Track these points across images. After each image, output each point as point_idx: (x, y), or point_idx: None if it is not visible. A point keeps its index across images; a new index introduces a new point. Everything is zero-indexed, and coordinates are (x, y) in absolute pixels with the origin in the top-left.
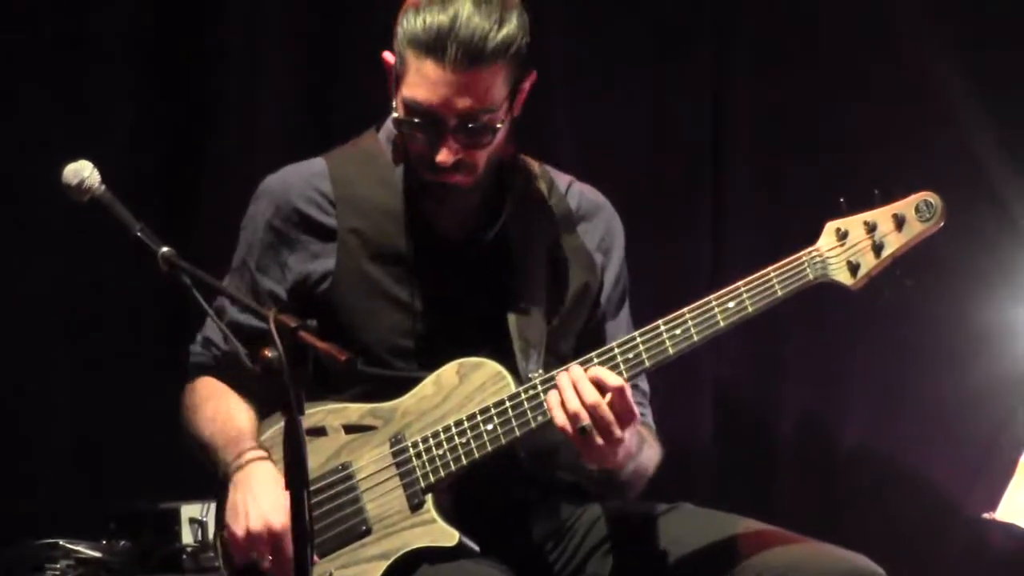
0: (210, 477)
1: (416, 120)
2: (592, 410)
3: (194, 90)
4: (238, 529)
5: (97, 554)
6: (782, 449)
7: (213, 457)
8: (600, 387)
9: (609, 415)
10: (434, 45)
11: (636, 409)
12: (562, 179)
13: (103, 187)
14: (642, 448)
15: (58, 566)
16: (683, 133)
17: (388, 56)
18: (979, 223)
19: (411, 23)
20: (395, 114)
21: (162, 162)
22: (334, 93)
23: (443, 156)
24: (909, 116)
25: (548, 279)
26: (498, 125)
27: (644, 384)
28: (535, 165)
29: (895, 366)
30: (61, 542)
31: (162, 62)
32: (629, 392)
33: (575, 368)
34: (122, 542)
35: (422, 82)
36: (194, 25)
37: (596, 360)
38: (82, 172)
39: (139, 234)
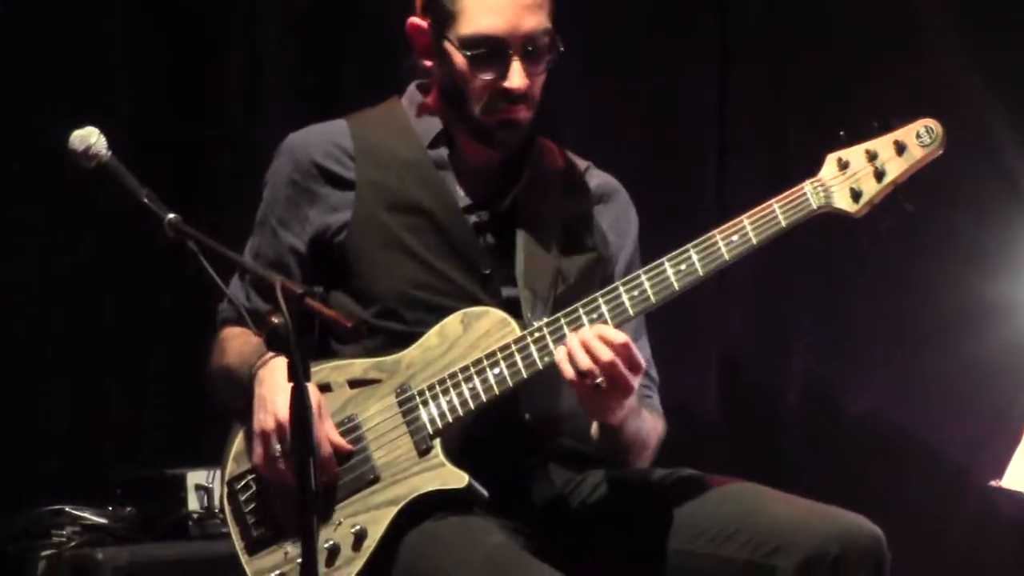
0: (215, 443)
1: (483, 51)
2: (605, 367)
3: (197, 69)
4: (267, 419)
5: (103, 520)
6: (789, 419)
7: (239, 373)
8: (607, 344)
9: (623, 370)
10: None
11: (641, 358)
12: (581, 162)
13: (109, 153)
14: (641, 411)
15: (64, 532)
16: (687, 109)
17: (416, 20)
18: (988, 198)
19: None
20: (459, 55)
21: (165, 143)
22: (342, 66)
23: (519, 80)
24: (917, 93)
25: (560, 245)
26: (560, 47)
27: (653, 371)
28: (554, 147)
29: (903, 336)
30: (66, 508)
31: (165, 43)
32: (634, 346)
33: (584, 329)
34: (128, 508)
35: (484, 12)
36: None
37: (601, 300)
38: (89, 138)
39: (145, 200)
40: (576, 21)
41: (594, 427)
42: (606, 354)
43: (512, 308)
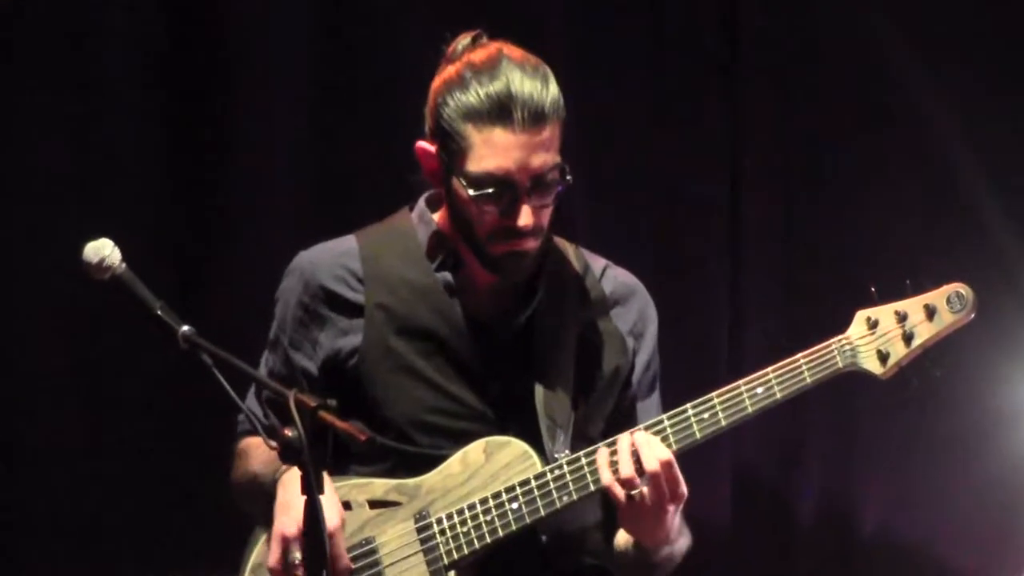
0: (228, 549)
1: (491, 191)
2: (650, 478)
3: (206, 162)
4: (289, 524)
5: None
6: (800, 533)
7: (262, 479)
8: (653, 456)
9: (664, 486)
10: (500, 113)
11: (683, 484)
12: (597, 263)
13: (123, 265)
14: (680, 538)
15: None
16: (699, 195)
17: (425, 145)
18: (993, 307)
19: (463, 99)
20: (465, 192)
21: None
22: (348, 157)
23: (525, 220)
24: (922, 197)
25: (578, 362)
26: (568, 178)
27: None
28: (570, 248)
29: (913, 451)
30: None
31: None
32: (676, 466)
33: (638, 434)
34: None
35: (493, 152)
36: (203, 95)
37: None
38: (103, 251)
39: (159, 312)
40: (583, 112)
41: (624, 539)
42: (652, 463)
43: (531, 434)
